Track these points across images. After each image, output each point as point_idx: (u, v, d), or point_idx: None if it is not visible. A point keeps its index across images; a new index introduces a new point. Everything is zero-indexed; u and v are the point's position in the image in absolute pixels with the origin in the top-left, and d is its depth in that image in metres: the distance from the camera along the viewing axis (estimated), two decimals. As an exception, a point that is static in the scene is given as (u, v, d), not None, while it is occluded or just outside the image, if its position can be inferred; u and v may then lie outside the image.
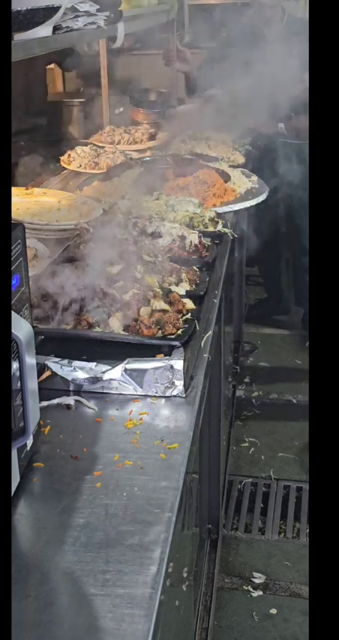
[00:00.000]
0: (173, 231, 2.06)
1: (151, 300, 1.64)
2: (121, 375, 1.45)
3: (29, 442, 1.23)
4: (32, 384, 1.11)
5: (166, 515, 1.14)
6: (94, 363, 1.47)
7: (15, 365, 1.09)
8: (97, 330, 1.59)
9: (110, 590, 1.01)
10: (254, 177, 2.82)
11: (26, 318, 1.21)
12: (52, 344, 1.55)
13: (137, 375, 1.45)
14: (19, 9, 1.44)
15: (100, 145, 3.38)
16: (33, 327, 1.14)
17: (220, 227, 2.27)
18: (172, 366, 1.44)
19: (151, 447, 1.30)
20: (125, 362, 1.45)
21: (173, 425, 1.37)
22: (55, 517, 1.14)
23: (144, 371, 1.45)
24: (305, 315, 4.36)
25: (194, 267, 1.92)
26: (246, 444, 3.48)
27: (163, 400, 1.44)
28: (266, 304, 4.62)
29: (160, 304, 1.64)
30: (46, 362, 1.47)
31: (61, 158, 3.17)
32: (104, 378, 1.46)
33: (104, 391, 1.47)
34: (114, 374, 1.45)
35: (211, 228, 2.24)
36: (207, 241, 2.11)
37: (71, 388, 1.47)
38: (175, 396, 1.45)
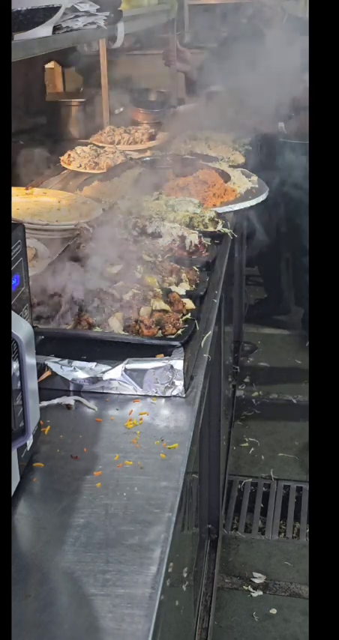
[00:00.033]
0: (173, 231, 2.06)
1: (151, 300, 1.64)
2: (121, 375, 1.45)
3: (29, 442, 1.23)
4: (32, 384, 1.11)
5: (166, 515, 1.14)
6: (94, 363, 1.47)
7: (15, 365, 1.09)
8: (97, 330, 1.59)
9: (110, 590, 1.01)
10: (254, 177, 2.82)
11: (26, 318, 1.21)
12: (52, 344, 1.55)
13: (137, 375, 1.45)
14: (19, 9, 1.44)
15: (100, 145, 3.38)
16: (33, 327, 1.14)
17: (220, 227, 2.27)
18: (172, 366, 1.44)
19: (151, 447, 1.30)
20: (125, 362, 1.45)
21: (173, 425, 1.37)
22: (55, 517, 1.14)
23: (144, 371, 1.45)
24: (305, 315, 4.36)
25: (194, 267, 1.92)
26: (246, 444, 3.48)
27: (163, 400, 1.44)
28: (266, 304, 4.62)
29: (160, 304, 1.64)
30: (46, 362, 1.47)
31: (61, 158, 3.17)
32: (104, 378, 1.46)
33: (104, 391, 1.46)
34: (114, 374, 1.45)
35: (211, 228, 2.24)
36: (207, 241, 2.11)
37: (71, 388, 1.47)
38: (175, 396, 1.45)
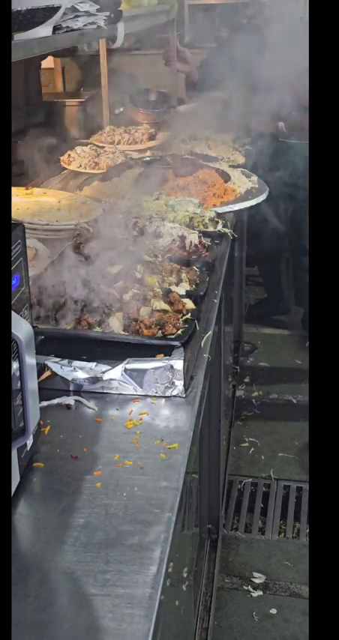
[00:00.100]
0: (173, 231, 2.06)
1: (151, 300, 1.64)
2: (121, 375, 1.45)
3: (29, 442, 1.23)
4: (32, 384, 1.11)
5: (166, 515, 1.14)
6: (94, 363, 1.47)
7: (15, 365, 1.09)
8: (97, 330, 1.59)
9: (110, 590, 1.01)
10: (254, 177, 2.82)
11: (26, 318, 1.21)
12: (52, 344, 1.55)
13: (137, 375, 1.45)
14: (19, 9, 1.44)
15: (100, 145, 3.38)
16: (33, 327, 1.14)
17: (220, 227, 2.27)
18: (172, 366, 1.44)
19: (151, 447, 1.30)
20: (125, 362, 1.45)
21: (173, 425, 1.37)
22: (55, 517, 1.14)
23: (144, 371, 1.45)
24: (305, 315, 4.36)
25: (194, 267, 1.92)
26: (246, 444, 3.48)
27: (163, 400, 1.44)
28: (266, 304, 4.62)
29: (160, 304, 1.64)
30: (46, 362, 1.47)
31: (61, 158, 3.17)
32: (104, 378, 1.46)
33: (104, 391, 1.46)
34: (114, 374, 1.45)
35: (211, 228, 2.24)
36: (207, 241, 2.11)
37: (71, 388, 1.47)
38: (175, 396, 1.45)
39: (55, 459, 1.28)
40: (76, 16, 1.77)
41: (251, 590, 2.68)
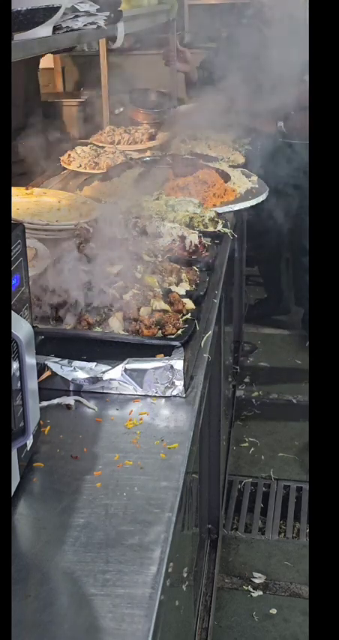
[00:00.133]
0: (173, 231, 2.06)
1: (151, 300, 1.64)
2: (121, 375, 1.45)
3: (29, 442, 1.23)
4: (32, 384, 1.11)
5: (166, 515, 1.14)
6: (94, 363, 1.47)
7: (15, 365, 1.09)
8: (97, 330, 1.59)
9: (110, 590, 1.01)
10: (254, 177, 2.82)
11: (26, 318, 1.21)
12: (52, 344, 1.55)
13: (137, 375, 1.45)
14: (19, 9, 1.44)
15: (100, 145, 3.38)
16: (33, 327, 1.14)
17: (220, 227, 2.27)
18: (172, 366, 1.44)
19: (151, 447, 1.30)
20: (125, 362, 1.45)
21: (173, 425, 1.37)
22: (55, 517, 1.14)
23: (144, 371, 1.45)
24: (305, 315, 4.36)
25: (194, 267, 1.92)
26: (246, 444, 3.48)
27: (163, 400, 1.44)
28: (266, 304, 4.62)
29: (160, 304, 1.64)
30: (46, 362, 1.47)
31: (61, 158, 3.17)
32: (104, 378, 1.46)
33: (104, 391, 1.47)
34: (114, 374, 1.45)
35: (211, 228, 2.24)
36: (207, 241, 2.11)
37: (71, 388, 1.47)
38: (175, 396, 1.45)
39: (55, 459, 1.28)
40: (76, 16, 1.77)
41: (251, 590, 2.68)
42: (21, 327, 1.08)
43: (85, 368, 1.47)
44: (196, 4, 5.90)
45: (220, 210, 2.43)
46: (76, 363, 1.47)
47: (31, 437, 1.16)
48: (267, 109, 3.35)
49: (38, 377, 1.22)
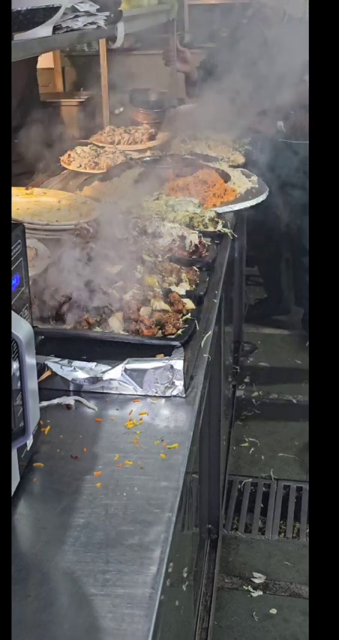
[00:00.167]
0: (173, 231, 2.06)
1: (151, 300, 1.64)
2: (121, 375, 1.45)
3: (29, 442, 1.23)
4: (32, 384, 1.11)
5: (166, 515, 1.14)
6: (94, 363, 1.47)
7: (15, 365, 1.09)
8: (97, 330, 1.59)
9: (110, 590, 1.01)
10: (254, 177, 2.82)
11: (26, 318, 1.21)
12: (52, 344, 1.55)
13: (137, 375, 1.45)
14: (19, 9, 1.44)
15: (100, 145, 3.38)
16: (33, 327, 1.14)
17: (220, 227, 2.27)
18: (172, 366, 1.44)
19: (151, 447, 1.30)
20: (125, 362, 1.45)
21: (173, 425, 1.37)
22: (55, 517, 1.14)
23: (144, 371, 1.45)
24: (305, 315, 4.36)
25: (194, 267, 1.92)
26: (246, 444, 3.48)
27: (163, 400, 1.44)
28: (266, 304, 4.62)
29: (160, 304, 1.64)
30: (46, 362, 1.47)
31: (61, 158, 3.17)
32: (104, 378, 1.46)
33: (104, 391, 1.46)
34: (114, 374, 1.45)
35: (211, 228, 2.24)
36: (207, 241, 2.11)
37: (71, 388, 1.47)
38: (175, 396, 1.45)
39: (55, 459, 1.28)
40: (76, 16, 1.76)
41: (251, 590, 2.68)
42: (21, 327, 1.08)
43: (85, 368, 1.47)
44: (196, 4, 5.90)
45: (220, 210, 2.43)
46: (76, 363, 1.47)
47: (31, 437, 1.16)
48: (267, 109, 3.35)
49: (38, 377, 1.22)
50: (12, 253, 1.12)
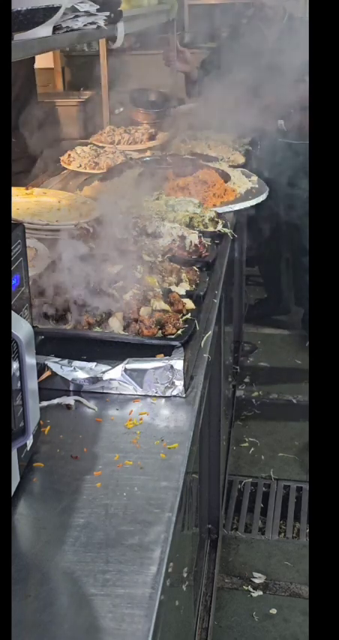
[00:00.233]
0: (173, 231, 2.06)
1: (151, 300, 1.64)
2: (121, 375, 1.45)
3: (29, 442, 1.23)
4: (32, 384, 1.11)
5: (166, 515, 1.14)
6: (94, 363, 1.47)
7: (15, 365, 1.09)
8: (97, 330, 1.59)
9: (110, 590, 1.01)
10: (254, 177, 2.82)
11: (26, 318, 1.21)
12: (52, 344, 1.55)
13: (137, 375, 1.45)
14: (19, 9, 1.44)
15: (100, 145, 3.38)
16: (33, 327, 1.14)
17: (220, 227, 2.27)
18: (172, 366, 1.44)
19: (151, 447, 1.30)
20: (125, 362, 1.45)
21: (173, 425, 1.37)
22: (55, 517, 1.14)
23: (144, 371, 1.45)
24: (305, 315, 4.36)
25: (194, 267, 1.92)
26: (246, 444, 3.48)
27: (163, 400, 1.44)
28: (266, 304, 4.62)
29: (160, 304, 1.64)
30: (46, 362, 1.47)
31: (61, 158, 3.17)
32: (104, 378, 1.46)
33: (104, 391, 1.46)
34: (114, 374, 1.45)
35: (211, 228, 2.24)
36: (207, 241, 2.11)
37: (71, 388, 1.47)
38: (175, 396, 1.45)
39: (55, 459, 1.28)
40: (76, 16, 1.76)
41: (251, 590, 2.68)
42: (21, 327, 1.08)
43: (85, 368, 1.47)
44: (196, 4, 5.90)
45: (220, 210, 2.43)
46: (76, 363, 1.47)
47: (31, 437, 1.16)
48: (267, 109, 3.35)
49: (38, 377, 1.22)
50: (12, 253, 1.12)
